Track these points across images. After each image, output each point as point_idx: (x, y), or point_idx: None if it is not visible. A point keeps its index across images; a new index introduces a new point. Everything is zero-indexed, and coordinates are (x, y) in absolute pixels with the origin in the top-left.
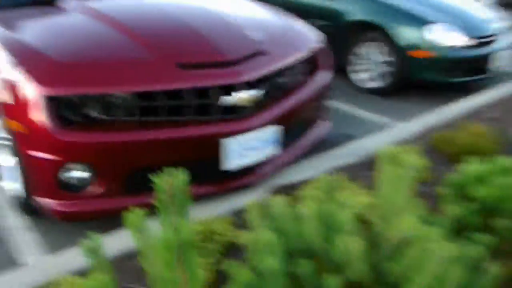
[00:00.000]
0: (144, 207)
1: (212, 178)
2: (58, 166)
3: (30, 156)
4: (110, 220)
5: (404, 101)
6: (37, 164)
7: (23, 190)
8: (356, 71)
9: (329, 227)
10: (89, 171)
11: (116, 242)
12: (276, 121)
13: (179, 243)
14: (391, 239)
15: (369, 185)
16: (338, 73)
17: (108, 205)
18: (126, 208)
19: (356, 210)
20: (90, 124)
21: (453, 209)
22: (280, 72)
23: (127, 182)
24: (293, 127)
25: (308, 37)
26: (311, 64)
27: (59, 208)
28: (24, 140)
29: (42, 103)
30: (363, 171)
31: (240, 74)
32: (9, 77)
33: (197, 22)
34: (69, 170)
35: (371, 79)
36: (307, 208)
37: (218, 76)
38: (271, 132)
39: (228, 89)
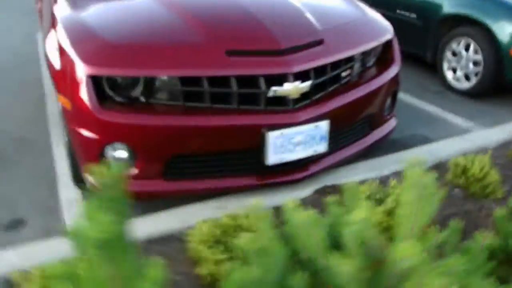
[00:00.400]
0: (183, 194)
1: (254, 171)
2: (99, 144)
3: (75, 132)
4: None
5: (498, 106)
6: (80, 141)
7: (71, 165)
8: (446, 69)
9: (333, 242)
10: (129, 152)
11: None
12: (327, 116)
13: (103, 240)
14: (393, 266)
15: None
16: (428, 69)
17: (148, 188)
18: (166, 193)
19: (368, 227)
20: (132, 105)
21: (486, 237)
22: (338, 64)
23: (166, 167)
24: (348, 124)
25: (377, 27)
26: (377, 57)
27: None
28: (70, 116)
29: (85, 82)
30: None
31: (291, 64)
32: (63, 54)
33: (257, 7)
34: (110, 149)
35: (463, 79)
36: (318, 217)
37: (268, 65)
38: (321, 127)
39: (277, 79)
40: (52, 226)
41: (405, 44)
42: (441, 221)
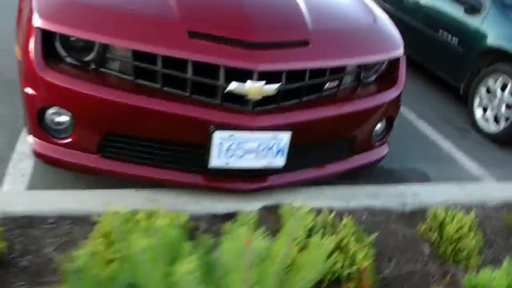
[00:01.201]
0: (117, 176)
1: (196, 171)
2: (37, 104)
3: (21, 86)
4: None
5: None
6: (24, 97)
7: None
8: (477, 106)
9: None
10: (68, 119)
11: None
12: (291, 127)
13: None
14: None
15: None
16: (457, 101)
17: (82, 161)
18: (99, 171)
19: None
20: (78, 70)
21: None
22: (321, 72)
23: (103, 144)
24: (317, 141)
25: (385, 41)
26: (380, 74)
27: (37, 148)
28: (20, 70)
29: (35, 34)
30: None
31: (259, 60)
32: (24, 1)
33: None
34: (50, 112)
35: (492, 120)
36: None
37: (232, 56)
38: (280, 139)
39: (240, 75)
40: None
41: (440, 68)
42: (392, 278)
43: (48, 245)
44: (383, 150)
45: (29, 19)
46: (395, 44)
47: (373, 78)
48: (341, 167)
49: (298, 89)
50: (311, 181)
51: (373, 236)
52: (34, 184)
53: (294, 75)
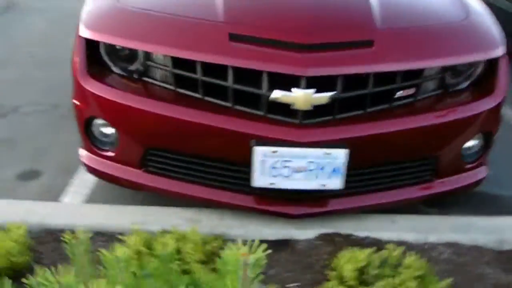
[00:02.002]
0: (161, 193)
1: (240, 190)
2: (82, 115)
3: (72, 98)
4: None
5: None
6: (74, 108)
7: None
8: None
9: None
10: (113, 131)
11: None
12: (348, 143)
13: None
14: None
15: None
16: None
17: (126, 175)
18: (142, 187)
19: None
20: (122, 81)
21: None
22: (389, 77)
23: (146, 158)
24: (385, 161)
25: (478, 38)
26: (475, 80)
27: (85, 161)
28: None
29: (78, 43)
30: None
31: (307, 64)
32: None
33: None
34: (95, 124)
35: None
36: None
37: (276, 60)
38: (334, 156)
39: (286, 82)
40: None
41: None
42: None
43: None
44: (479, 173)
45: (77, 28)
46: (491, 43)
47: (465, 85)
48: (419, 193)
49: (361, 98)
50: (382, 209)
51: (447, 282)
52: (94, 197)
53: (355, 82)
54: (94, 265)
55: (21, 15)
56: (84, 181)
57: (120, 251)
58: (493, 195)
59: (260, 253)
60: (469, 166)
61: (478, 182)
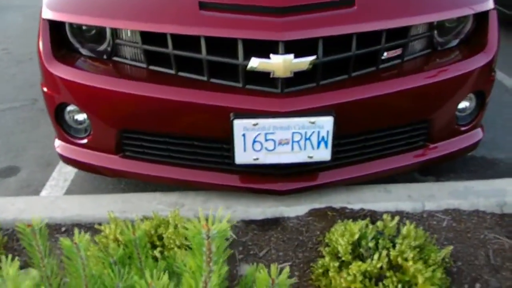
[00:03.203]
0: (140, 179)
1: (224, 169)
2: (54, 102)
3: (41, 86)
4: None
5: None
6: (44, 97)
7: None
8: None
9: None
10: (85, 117)
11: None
12: (333, 110)
13: None
14: None
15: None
16: None
17: (103, 163)
18: (121, 173)
19: None
20: (90, 63)
21: None
22: (373, 38)
23: (122, 142)
24: (375, 127)
25: None
26: (456, 36)
27: (60, 151)
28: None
29: (43, 27)
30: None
31: (285, 28)
32: None
33: None
34: (67, 110)
35: None
36: None
37: (250, 26)
38: (320, 125)
39: (263, 48)
40: None
41: None
42: None
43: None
44: (475, 135)
45: (41, 10)
46: None
47: (455, 43)
48: (414, 160)
49: (345, 62)
50: (375, 179)
51: (447, 250)
52: (74, 189)
53: (337, 45)
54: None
55: None
56: (64, 174)
57: (80, 238)
58: (492, 158)
59: (225, 224)
60: (463, 128)
61: (474, 145)
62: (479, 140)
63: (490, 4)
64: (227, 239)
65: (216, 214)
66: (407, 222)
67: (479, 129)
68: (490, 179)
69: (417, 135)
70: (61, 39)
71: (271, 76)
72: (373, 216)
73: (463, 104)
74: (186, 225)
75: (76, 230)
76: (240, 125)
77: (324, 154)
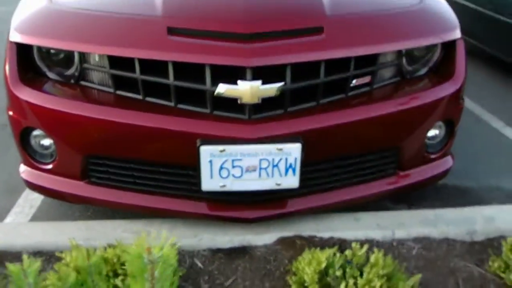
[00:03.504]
0: (106, 206)
1: (191, 196)
2: (18, 126)
3: (7, 111)
4: None
5: None
6: (9, 120)
7: None
8: None
9: None
10: (50, 142)
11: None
12: (301, 137)
13: None
14: None
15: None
16: None
17: (68, 188)
18: (85, 200)
19: None
20: (56, 87)
21: None
22: (341, 65)
23: (87, 168)
24: (342, 154)
25: (435, 21)
26: (425, 65)
27: (25, 176)
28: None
29: (10, 50)
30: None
31: (251, 54)
32: None
33: None
34: (32, 135)
35: None
36: None
37: (218, 52)
38: (287, 152)
39: (230, 75)
40: None
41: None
42: None
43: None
44: (444, 164)
45: (9, 33)
46: (447, 25)
47: (423, 71)
48: (384, 187)
49: (314, 89)
50: (344, 207)
51: (416, 279)
52: (40, 216)
53: (306, 72)
54: None
55: None
56: (30, 201)
57: (29, 264)
58: (464, 187)
59: (169, 249)
60: (433, 156)
61: (444, 173)
62: (449, 168)
63: (457, 34)
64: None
65: (161, 237)
66: (376, 250)
67: (449, 157)
68: (458, 207)
69: (387, 163)
70: (28, 62)
71: (239, 102)
72: (343, 245)
73: (432, 132)
74: (127, 249)
75: (25, 256)
76: (206, 151)
77: (292, 181)
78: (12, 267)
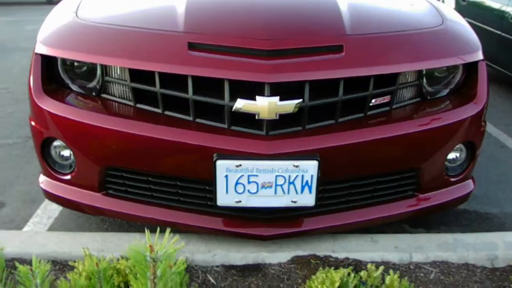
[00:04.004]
0: (122, 218)
1: (207, 211)
2: (40, 136)
3: (30, 121)
4: None
5: None
6: (31, 130)
7: None
8: None
9: None
10: (70, 152)
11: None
12: (318, 155)
13: None
14: None
15: None
16: None
17: (85, 200)
18: (103, 211)
19: None
20: (78, 99)
21: None
22: (361, 84)
23: (105, 180)
24: (360, 173)
25: (456, 43)
26: (447, 86)
27: (44, 186)
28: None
29: (35, 61)
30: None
31: (270, 70)
32: None
33: None
34: (53, 145)
35: None
36: None
37: (237, 67)
38: (304, 169)
39: (249, 90)
40: None
41: None
42: None
43: None
44: (465, 187)
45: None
46: (469, 47)
47: (444, 93)
48: (402, 209)
49: (332, 107)
50: (361, 227)
51: None
52: (57, 226)
53: (324, 90)
54: None
55: (5, 54)
56: (48, 211)
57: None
58: (485, 213)
59: (171, 247)
60: (454, 179)
61: (464, 197)
62: (469, 192)
63: (479, 55)
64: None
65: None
66: (391, 272)
67: (469, 181)
68: (479, 231)
69: (406, 184)
70: (52, 74)
71: (256, 118)
72: (358, 266)
73: (453, 155)
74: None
75: (34, 257)
76: (223, 166)
77: (308, 199)
78: (21, 267)
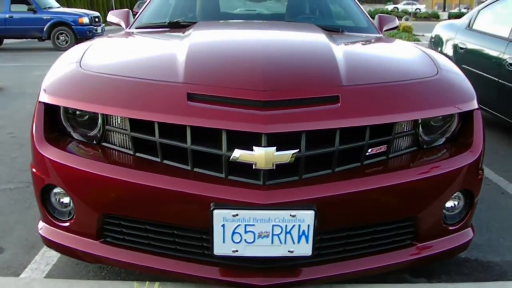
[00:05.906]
0: (120, 266)
1: (205, 261)
2: (40, 182)
3: (31, 167)
4: None
5: None
6: (32, 177)
7: None
8: None
9: None
10: (69, 199)
11: None
12: (314, 205)
13: None
14: None
15: None
16: None
17: (83, 247)
18: (101, 259)
19: None
20: (80, 147)
21: None
22: (357, 134)
23: (102, 227)
24: (357, 223)
25: (451, 92)
26: (442, 135)
27: (42, 232)
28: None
29: (38, 109)
30: None
31: (267, 121)
32: None
33: (269, 46)
34: (52, 192)
35: None
36: None
37: (234, 118)
38: (300, 219)
39: (247, 141)
40: None
41: None
42: None
43: None
44: (464, 236)
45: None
46: (464, 96)
47: (440, 142)
48: (400, 258)
49: (329, 157)
50: (360, 277)
51: None
52: (55, 273)
53: (321, 139)
54: None
55: (11, 98)
56: (46, 258)
57: None
58: (486, 261)
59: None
60: (452, 228)
61: (464, 246)
62: (469, 240)
63: (474, 104)
64: None
65: None
66: None
67: (469, 229)
68: (481, 281)
69: (403, 233)
70: (54, 122)
71: (253, 167)
72: None
73: (451, 203)
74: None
75: None
76: (220, 215)
77: (305, 249)
78: None
